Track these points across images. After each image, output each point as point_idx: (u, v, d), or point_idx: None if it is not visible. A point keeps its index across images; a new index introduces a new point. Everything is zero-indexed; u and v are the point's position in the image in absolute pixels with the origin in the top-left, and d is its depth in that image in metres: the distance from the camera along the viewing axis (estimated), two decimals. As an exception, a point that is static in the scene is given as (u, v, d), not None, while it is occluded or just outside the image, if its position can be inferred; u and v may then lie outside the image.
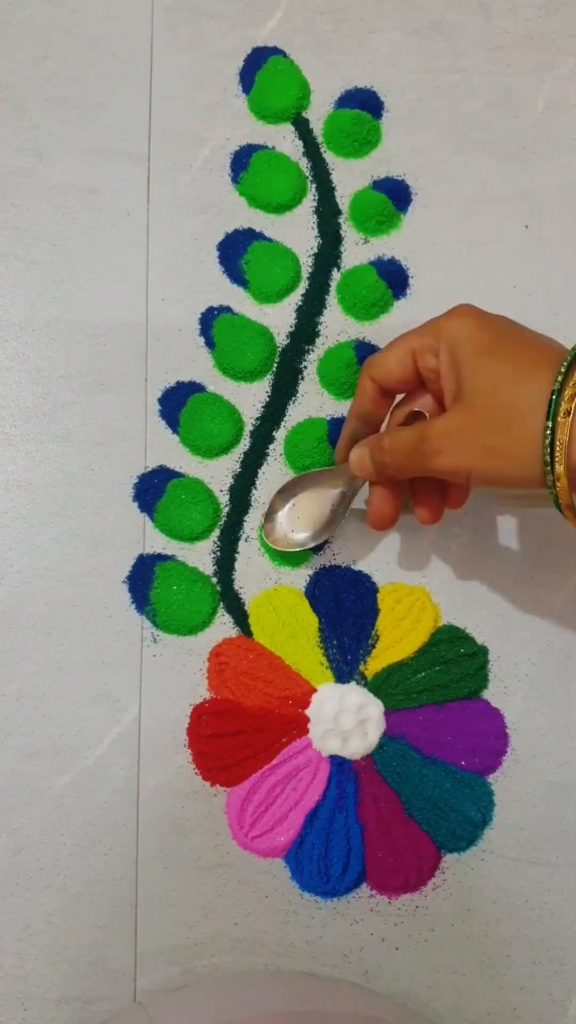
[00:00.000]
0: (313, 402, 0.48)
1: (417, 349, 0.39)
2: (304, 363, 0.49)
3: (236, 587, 0.46)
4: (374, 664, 0.44)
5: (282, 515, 0.45)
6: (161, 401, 0.48)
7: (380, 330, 0.49)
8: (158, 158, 0.51)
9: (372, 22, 0.53)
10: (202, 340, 0.49)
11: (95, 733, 0.44)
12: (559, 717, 0.44)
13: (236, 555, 0.46)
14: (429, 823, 0.42)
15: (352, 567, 0.46)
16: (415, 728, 0.44)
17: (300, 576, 0.46)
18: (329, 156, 0.52)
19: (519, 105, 0.52)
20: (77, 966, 0.42)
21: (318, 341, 0.49)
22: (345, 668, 0.44)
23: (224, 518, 0.47)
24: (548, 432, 0.35)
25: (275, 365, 0.48)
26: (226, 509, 0.47)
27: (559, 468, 0.35)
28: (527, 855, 0.43)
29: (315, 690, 0.44)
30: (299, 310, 0.49)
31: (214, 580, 0.46)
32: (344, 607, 0.45)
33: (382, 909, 0.42)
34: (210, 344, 0.49)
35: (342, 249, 0.50)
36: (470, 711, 0.44)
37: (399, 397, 0.43)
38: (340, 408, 0.48)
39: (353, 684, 0.44)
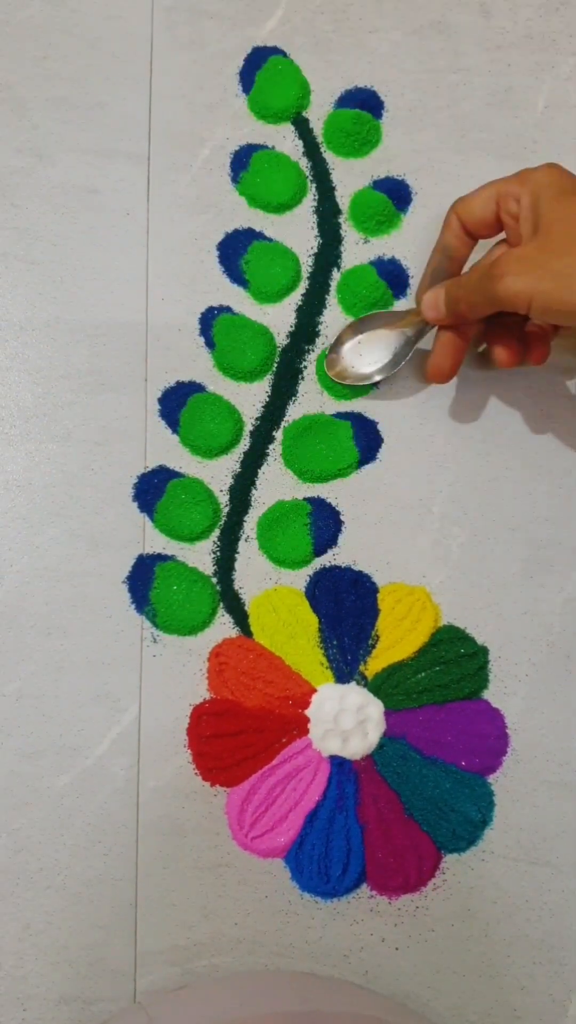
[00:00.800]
0: (313, 402, 0.48)
1: (502, 193, 0.42)
2: (304, 363, 0.49)
3: (236, 587, 0.46)
4: (374, 664, 0.44)
5: (348, 348, 0.47)
6: (161, 401, 0.48)
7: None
8: (158, 158, 0.51)
9: (372, 22, 0.53)
10: (202, 340, 0.49)
11: (95, 733, 0.44)
12: (559, 717, 0.44)
13: (236, 555, 0.46)
14: (429, 823, 0.42)
15: (352, 567, 0.46)
16: (415, 728, 0.44)
17: (300, 576, 0.46)
18: (329, 156, 0.52)
19: (519, 105, 0.52)
20: (77, 966, 0.42)
21: (318, 341, 0.49)
22: (345, 668, 0.44)
23: (224, 518, 0.47)
24: None
25: (275, 365, 0.49)
26: (226, 509, 0.47)
27: None
28: (527, 855, 0.43)
29: (315, 690, 0.44)
30: (299, 310, 0.49)
31: (214, 580, 0.46)
32: (344, 607, 0.45)
33: (382, 909, 0.42)
34: (210, 344, 0.49)
35: (342, 249, 0.50)
36: (470, 711, 0.44)
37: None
38: (340, 405, 0.48)
39: (353, 684, 0.44)
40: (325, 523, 0.46)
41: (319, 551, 0.46)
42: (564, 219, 0.39)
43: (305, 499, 0.47)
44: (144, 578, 0.45)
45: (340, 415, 0.48)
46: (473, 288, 0.41)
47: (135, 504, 0.46)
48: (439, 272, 0.45)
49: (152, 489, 0.46)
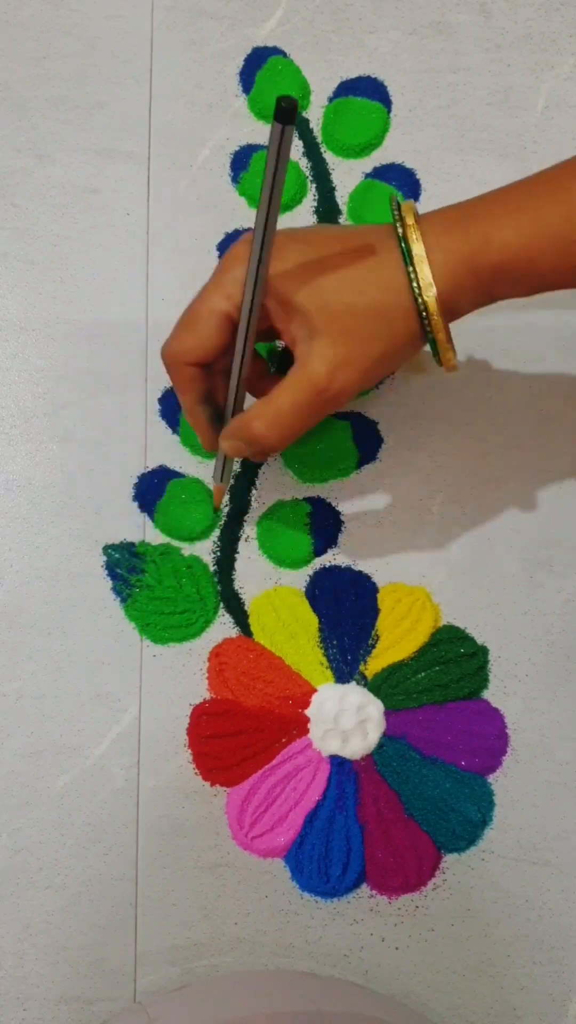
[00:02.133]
0: (313, 402, 0.48)
1: (229, 309, 0.37)
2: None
3: (236, 587, 0.46)
4: (374, 664, 0.44)
5: None
6: (161, 401, 0.48)
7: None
8: (158, 158, 0.51)
9: (372, 22, 0.53)
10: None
11: (95, 733, 0.44)
12: (559, 717, 0.44)
13: (236, 555, 0.46)
14: (429, 823, 0.42)
15: (352, 567, 0.46)
16: (415, 728, 0.44)
17: (300, 576, 0.46)
18: (329, 156, 0.52)
19: (519, 105, 0.52)
20: (77, 966, 0.42)
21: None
22: (345, 668, 0.44)
23: (224, 518, 0.47)
24: (421, 308, 0.36)
25: (275, 365, 0.48)
26: (226, 509, 0.47)
27: (438, 332, 0.37)
28: (527, 855, 0.43)
29: (315, 690, 0.44)
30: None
31: (215, 580, 0.46)
32: (344, 607, 0.45)
33: (382, 909, 0.42)
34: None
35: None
36: (470, 711, 0.44)
37: None
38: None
39: (353, 684, 0.44)
40: (325, 523, 0.46)
41: (319, 551, 0.46)
42: (342, 313, 0.36)
43: (305, 499, 0.47)
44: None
45: (340, 415, 0.48)
46: (300, 421, 0.37)
47: (135, 504, 0.46)
48: (212, 418, 0.41)
49: (152, 489, 0.46)
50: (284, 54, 0.53)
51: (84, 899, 0.42)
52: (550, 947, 0.42)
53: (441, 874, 0.43)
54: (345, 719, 0.43)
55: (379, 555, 0.46)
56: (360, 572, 0.46)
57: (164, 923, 0.42)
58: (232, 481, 0.46)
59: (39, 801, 0.43)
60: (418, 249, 0.36)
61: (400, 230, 0.36)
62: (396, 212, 0.37)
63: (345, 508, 0.47)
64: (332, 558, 0.46)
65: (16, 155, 0.51)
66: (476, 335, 0.49)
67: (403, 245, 0.36)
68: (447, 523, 0.47)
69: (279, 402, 0.37)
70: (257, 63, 0.52)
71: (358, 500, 0.47)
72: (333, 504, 0.47)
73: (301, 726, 0.44)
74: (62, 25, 0.53)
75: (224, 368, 0.40)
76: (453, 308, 0.37)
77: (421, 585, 0.46)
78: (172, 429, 0.47)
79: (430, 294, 0.36)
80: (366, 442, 0.47)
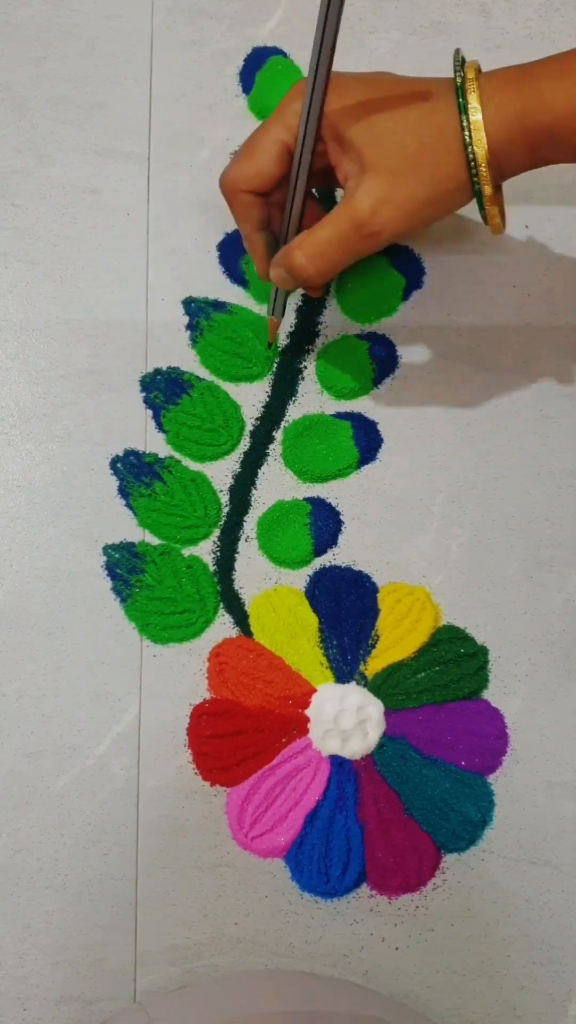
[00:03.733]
0: (313, 402, 0.48)
1: (289, 141, 0.39)
2: (304, 363, 0.49)
3: (236, 587, 0.46)
4: (374, 664, 0.44)
5: None
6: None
7: (380, 330, 0.49)
8: (158, 158, 0.51)
9: (372, 22, 0.53)
10: (202, 340, 0.49)
11: (95, 733, 0.44)
12: (559, 717, 0.44)
13: (236, 555, 0.46)
14: (429, 823, 0.42)
15: (352, 567, 0.46)
16: (415, 728, 0.44)
17: (300, 576, 0.46)
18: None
19: (519, 105, 0.52)
20: (77, 966, 0.42)
21: (318, 341, 0.49)
22: (345, 668, 0.44)
23: (224, 518, 0.47)
24: (470, 157, 0.37)
25: (275, 365, 0.49)
26: (226, 509, 0.47)
27: (486, 188, 0.38)
28: (527, 855, 0.43)
29: (315, 690, 0.44)
30: (299, 310, 0.49)
31: (215, 580, 0.46)
32: (344, 607, 0.45)
33: (382, 909, 0.42)
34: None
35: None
36: (470, 711, 0.44)
37: None
38: (340, 405, 0.48)
39: (353, 684, 0.44)
40: (325, 523, 0.46)
41: (319, 551, 0.46)
42: (394, 150, 0.37)
43: (305, 499, 0.47)
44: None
45: (340, 415, 0.48)
46: (342, 253, 0.39)
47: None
48: (269, 245, 0.43)
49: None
50: (284, 54, 0.53)
51: (84, 899, 0.42)
52: (550, 947, 0.42)
53: (441, 874, 0.43)
54: (345, 719, 0.43)
55: (379, 555, 0.46)
56: (360, 572, 0.46)
57: (164, 923, 0.42)
58: (282, 317, 0.46)
59: (39, 801, 0.43)
60: (473, 101, 0.37)
61: (459, 82, 0.38)
62: (458, 66, 0.38)
63: (345, 508, 0.47)
64: (332, 558, 0.46)
65: (16, 155, 0.51)
66: (476, 335, 0.49)
67: (460, 97, 0.37)
68: (447, 523, 0.47)
69: (320, 233, 0.39)
70: (257, 63, 0.52)
71: (358, 500, 0.47)
72: (333, 504, 0.47)
73: (301, 726, 0.44)
74: (62, 25, 0.53)
75: (281, 201, 0.42)
76: (502, 162, 0.38)
77: (421, 585, 0.46)
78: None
79: (480, 144, 0.37)
80: (366, 442, 0.47)
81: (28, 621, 0.45)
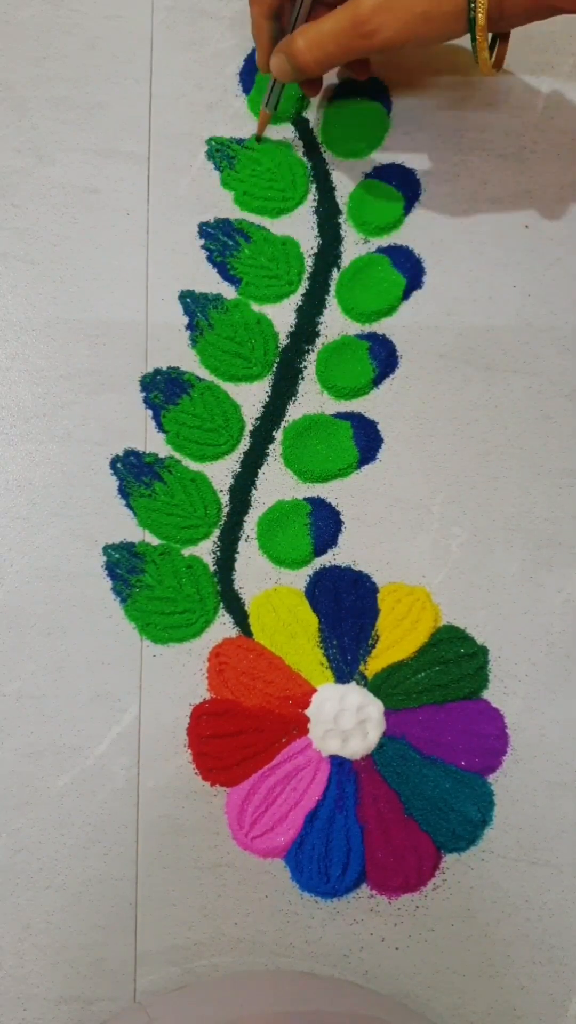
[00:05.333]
0: (313, 402, 0.48)
1: None
2: (304, 363, 0.49)
3: (236, 587, 0.46)
4: (374, 664, 0.44)
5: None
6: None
7: (380, 330, 0.49)
8: (158, 158, 0.51)
9: (372, 22, 0.53)
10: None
11: (95, 733, 0.44)
12: (559, 717, 0.44)
13: (236, 555, 0.46)
14: (429, 823, 0.42)
15: (352, 567, 0.46)
16: (415, 728, 0.44)
17: (300, 576, 0.46)
18: (329, 156, 0.52)
19: (519, 105, 0.52)
20: (77, 966, 0.42)
21: (318, 341, 0.49)
22: (345, 668, 0.44)
23: (224, 518, 0.47)
24: None
25: (275, 365, 0.49)
26: (226, 509, 0.47)
27: (480, 15, 0.40)
28: (527, 855, 0.43)
29: (315, 690, 0.44)
30: (299, 310, 0.49)
31: (215, 580, 0.46)
32: (344, 607, 0.45)
33: (382, 909, 0.42)
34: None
35: (342, 249, 0.50)
36: (470, 711, 0.44)
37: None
38: (340, 405, 0.48)
39: (353, 684, 0.44)
40: (325, 523, 0.46)
41: (319, 551, 0.46)
42: None
43: (305, 499, 0.47)
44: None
45: (340, 415, 0.48)
46: (338, 47, 0.42)
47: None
48: (274, 35, 0.46)
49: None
50: (284, 54, 0.53)
51: (84, 899, 0.42)
52: (550, 947, 0.42)
53: (441, 874, 0.43)
54: (345, 719, 0.43)
55: (379, 555, 0.46)
56: (360, 572, 0.46)
57: (164, 923, 0.42)
58: (275, 112, 0.49)
59: (39, 801, 0.43)
60: None
61: None
62: None
63: (345, 508, 0.47)
64: (332, 558, 0.46)
65: (16, 155, 0.51)
66: (476, 335, 0.49)
67: None
68: (447, 523, 0.47)
69: (322, 25, 0.42)
70: (257, 63, 0.52)
71: (358, 500, 0.47)
72: (333, 504, 0.47)
73: (301, 726, 0.44)
74: (62, 25, 0.53)
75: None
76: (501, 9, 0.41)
77: (421, 585, 0.46)
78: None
79: None
80: (366, 442, 0.47)
81: (28, 621, 0.45)
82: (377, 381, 0.48)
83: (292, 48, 0.44)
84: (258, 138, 0.50)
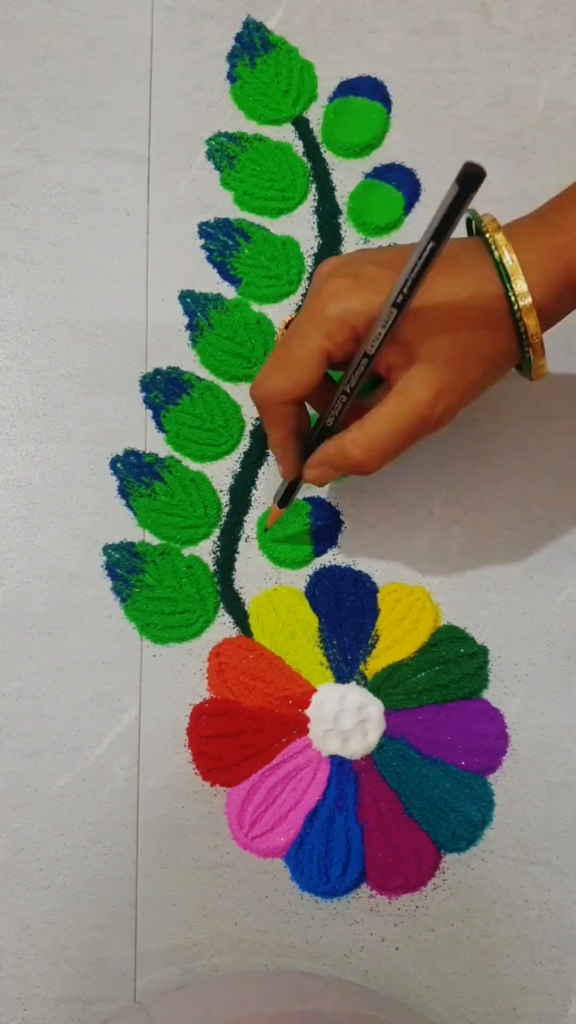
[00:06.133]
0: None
1: (330, 348, 0.37)
2: (304, 363, 0.49)
3: (236, 587, 0.46)
4: (374, 664, 0.44)
5: None
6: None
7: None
8: (158, 158, 0.51)
9: (372, 22, 0.53)
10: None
11: (95, 733, 0.44)
12: (559, 717, 0.44)
13: (236, 555, 0.46)
14: (429, 823, 0.42)
15: (352, 567, 0.46)
16: (415, 728, 0.44)
17: (300, 576, 0.46)
18: (329, 156, 0.52)
19: (519, 105, 0.52)
20: (77, 966, 0.42)
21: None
22: (345, 668, 0.44)
23: (224, 518, 0.47)
24: (521, 330, 0.36)
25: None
26: (226, 509, 0.47)
27: (536, 348, 0.37)
28: (527, 855, 0.43)
29: (315, 690, 0.44)
30: (299, 310, 0.49)
31: (215, 580, 0.46)
32: (344, 607, 0.45)
33: (382, 909, 0.42)
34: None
35: (342, 249, 0.50)
36: (470, 711, 0.44)
37: None
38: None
39: (353, 684, 0.44)
40: (325, 523, 0.46)
41: (319, 551, 0.46)
42: (445, 338, 0.36)
43: (305, 499, 0.47)
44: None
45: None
46: (400, 442, 0.38)
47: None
48: (300, 453, 0.41)
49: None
50: (284, 54, 0.53)
51: (84, 899, 0.42)
52: (550, 947, 0.42)
53: (441, 874, 0.43)
54: (345, 719, 0.43)
55: (379, 555, 0.46)
56: (360, 572, 0.46)
57: (164, 923, 0.42)
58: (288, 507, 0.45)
59: (39, 801, 0.43)
60: (513, 266, 0.36)
61: (495, 251, 0.36)
62: (480, 226, 0.37)
63: (345, 508, 0.47)
64: (332, 558, 0.46)
65: (16, 155, 0.51)
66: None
67: (500, 267, 0.36)
68: (447, 523, 0.47)
69: (378, 428, 0.37)
70: (257, 63, 0.52)
71: (358, 500, 0.47)
72: (333, 504, 0.47)
73: (301, 726, 0.44)
74: (62, 25, 0.53)
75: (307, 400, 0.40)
76: (550, 321, 0.38)
77: (421, 585, 0.46)
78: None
79: (530, 315, 0.36)
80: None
81: (28, 621, 0.45)
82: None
83: (349, 461, 0.38)
84: (266, 529, 0.46)
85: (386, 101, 0.52)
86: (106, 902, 0.42)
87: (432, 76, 0.53)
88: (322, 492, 0.47)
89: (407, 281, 0.33)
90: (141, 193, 0.51)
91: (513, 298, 0.36)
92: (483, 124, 0.52)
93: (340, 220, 0.51)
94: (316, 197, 0.51)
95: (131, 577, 0.45)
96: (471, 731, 0.44)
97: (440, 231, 0.31)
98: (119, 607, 0.45)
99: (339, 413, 0.39)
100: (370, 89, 0.52)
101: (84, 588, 0.45)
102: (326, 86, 0.52)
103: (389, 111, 0.52)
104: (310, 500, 0.47)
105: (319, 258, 0.50)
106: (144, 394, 0.48)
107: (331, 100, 0.52)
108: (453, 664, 0.44)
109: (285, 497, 0.44)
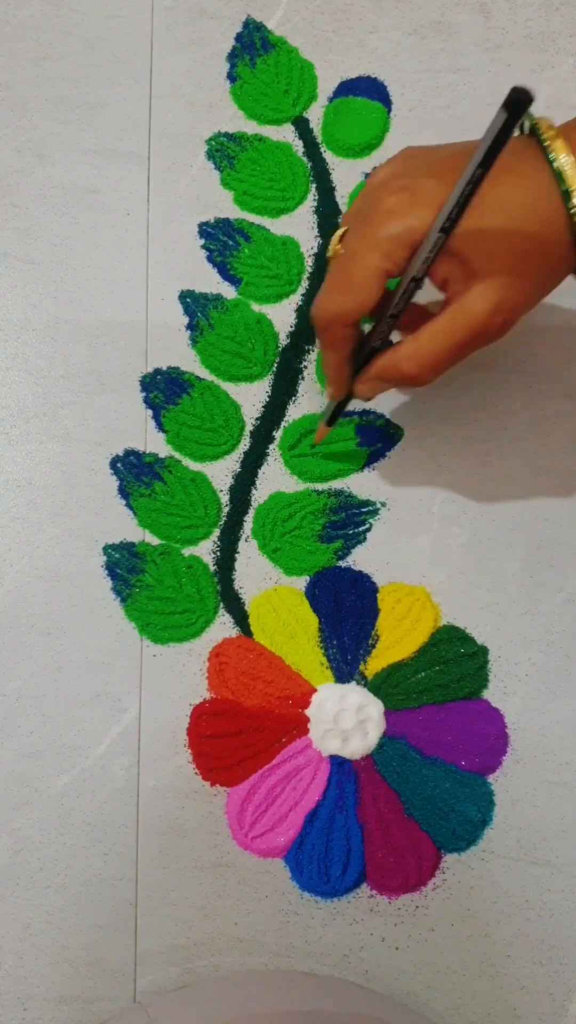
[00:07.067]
0: (313, 402, 0.48)
1: (389, 268, 0.36)
2: (304, 363, 0.49)
3: (236, 587, 0.46)
4: (374, 664, 0.44)
5: None
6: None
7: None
8: (158, 158, 0.51)
9: (372, 22, 0.53)
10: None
11: (95, 733, 0.44)
12: (559, 717, 0.44)
13: (236, 555, 0.46)
14: (429, 823, 0.42)
15: (352, 567, 0.46)
16: (415, 728, 0.44)
17: (300, 576, 0.46)
18: (329, 156, 0.52)
19: (519, 105, 0.52)
20: (77, 966, 0.42)
21: (318, 341, 0.49)
22: (345, 668, 0.44)
23: (224, 518, 0.47)
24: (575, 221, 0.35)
25: (275, 365, 0.48)
26: (226, 509, 0.47)
27: None
28: (527, 855, 0.43)
29: (315, 690, 0.44)
30: (299, 310, 0.49)
31: (215, 580, 0.46)
32: (344, 607, 0.45)
33: (382, 909, 0.42)
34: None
35: (342, 249, 0.50)
36: (470, 711, 0.44)
37: None
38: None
39: (353, 684, 0.44)
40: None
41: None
42: (502, 247, 0.35)
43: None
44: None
45: (343, 414, 0.48)
46: (458, 350, 0.37)
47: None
48: (351, 369, 0.41)
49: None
50: (284, 54, 0.53)
51: (84, 899, 0.42)
52: (550, 947, 0.42)
53: (441, 874, 0.43)
54: (345, 719, 0.43)
55: (379, 555, 0.46)
56: (360, 572, 0.46)
57: (164, 923, 0.42)
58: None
59: (39, 801, 0.43)
60: (572, 172, 0.35)
61: (552, 157, 0.35)
62: (537, 130, 0.36)
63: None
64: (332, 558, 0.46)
65: (16, 155, 0.51)
66: (476, 335, 0.49)
67: (559, 175, 0.35)
68: (447, 523, 0.47)
69: (433, 344, 0.37)
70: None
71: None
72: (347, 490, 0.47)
73: (301, 726, 0.44)
74: (62, 25, 0.53)
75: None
76: None
77: (421, 585, 0.46)
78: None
79: None
80: (368, 442, 0.47)
81: (28, 621, 0.45)
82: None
83: (402, 374, 0.38)
84: (314, 446, 0.46)
85: (386, 101, 0.52)
86: (106, 902, 0.42)
87: (432, 76, 0.53)
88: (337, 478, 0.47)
89: (455, 207, 0.33)
90: (141, 193, 0.51)
91: (570, 204, 0.35)
92: (483, 124, 0.52)
93: (340, 220, 0.51)
94: (316, 197, 0.51)
95: (131, 577, 0.45)
96: (471, 731, 0.44)
97: (488, 158, 0.31)
98: (119, 607, 0.45)
99: (386, 336, 0.39)
100: (370, 89, 0.52)
101: (84, 588, 0.45)
102: (326, 86, 0.52)
103: (389, 111, 0.52)
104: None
105: (319, 258, 0.50)
106: (144, 394, 0.48)
107: (331, 100, 0.52)
108: (453, 664, 0.44)
109: (333, 416, 0.44)
